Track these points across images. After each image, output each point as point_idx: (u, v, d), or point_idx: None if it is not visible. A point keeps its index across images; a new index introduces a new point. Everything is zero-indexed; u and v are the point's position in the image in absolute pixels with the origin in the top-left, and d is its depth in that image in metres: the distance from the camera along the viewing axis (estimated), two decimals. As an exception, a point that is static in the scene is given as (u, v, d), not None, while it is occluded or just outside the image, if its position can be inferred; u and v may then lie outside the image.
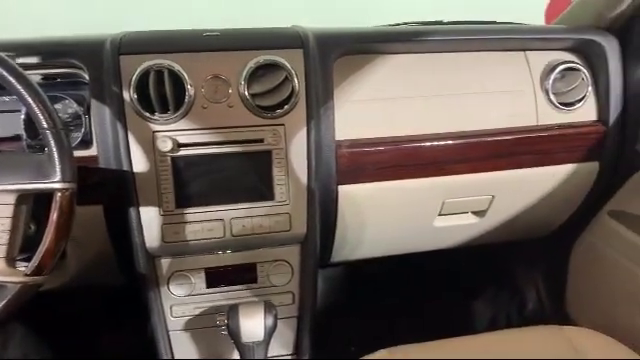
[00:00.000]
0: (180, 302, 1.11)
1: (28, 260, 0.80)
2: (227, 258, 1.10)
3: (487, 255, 1.59)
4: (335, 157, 1.06)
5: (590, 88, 1.18)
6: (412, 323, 1.56)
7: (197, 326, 1.13)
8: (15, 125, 0.98)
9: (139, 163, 0.97)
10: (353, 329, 1.56)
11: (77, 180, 0.80)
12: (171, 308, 1.11)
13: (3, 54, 0.78)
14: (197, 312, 1.12)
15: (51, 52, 1.00)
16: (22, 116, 0.97)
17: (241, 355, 1.04)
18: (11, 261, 0.79)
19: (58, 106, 1.00)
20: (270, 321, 1.03)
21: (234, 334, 1.03)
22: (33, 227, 0.93)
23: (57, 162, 0.77)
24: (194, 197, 1.01)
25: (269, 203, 1.04)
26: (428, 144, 1.10)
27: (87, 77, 0.98)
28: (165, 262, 1.07)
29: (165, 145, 0.95)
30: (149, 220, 1.00)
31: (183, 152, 0.98)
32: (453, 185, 1.15)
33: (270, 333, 1.03)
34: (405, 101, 1.12)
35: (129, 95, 0.95)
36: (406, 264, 1.55)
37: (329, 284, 1.71)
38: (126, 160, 0.97)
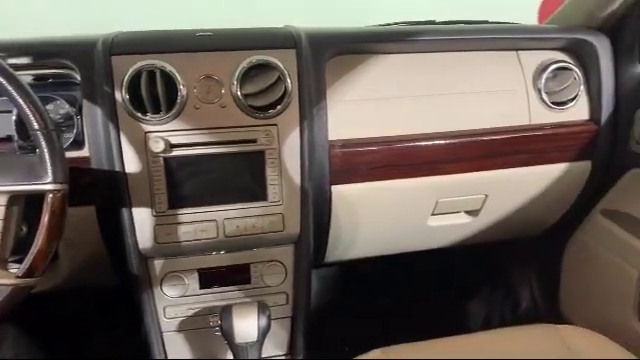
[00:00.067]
0: (173, 303, 1.11)
1: (20, 262, 0.79)
2: (220, 259, 1.10)
3: (481, 254, 1.59)
4: (328, 157, 1.06)
5: (582, 87, 1.19)
6: (406, 323, 1.56)
7: (191, 327, 1.13)
8: (6, 126, 0.97)
9: (131, 164, 0.97)
10: (347, 329, 1.56)
11: (69, 181, 0.79)
12: (164, 309, 1.11)
13: None
14: (190, 313, 1.12)
15: (42, 53, 1.00)
16: (13, 117, 0.97)
17: (235, 356, 1.03)
18: (2, 263, 0.79)
19: (50, 107, 0.99)
20: (264, 322, 1.03)
21: (228, 335, 1.02)
22: (25, 229, 0.92)
23: (48, 163, 0.77)
24: (187, 198, 1.01)
25: (262, 203, 1.04)
26: (421, 144, 1.10)
27: (79, 78, 0.97)
28: (158, 263, 1.07)
29: (157, 146, 0.95)
30: (142, 221, 1.00)
31: (175, 153, 0.97)
32: (446, 185, 1.15)
33: (264, 334, 1.03)
34: (398, 101, 1.12)
35: (121, 96, 0.94)
36: (400, 264, 1.55)
37: (323, 284, 1.71)
38: (118, 161, 0.96)
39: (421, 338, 0.97)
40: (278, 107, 0.99)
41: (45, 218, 0.77)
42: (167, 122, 0.97)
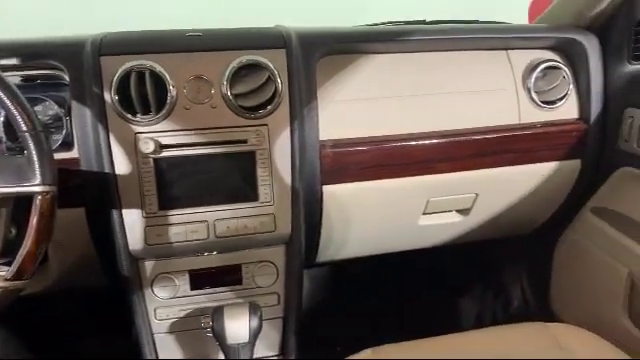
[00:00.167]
0: (164, 304, 1.10)
1: (9, 264, 0.79)
2: (211, 260, 1.09)
3: (472, 253, 1.60)
4: (319, 157, 1.06)
5: (571, 86, 1.19)
6: (398, 322, 1.57)
7: (182, 328, 1.13)
8: None
9: (121, 165, 0.96)
10: (339, 329, 1.56)
11: (58, 183, 0.79)
12: (155, 311, 1.10)
13: None
14: (182, 314, 1.12)
15: (30, 53, 0.99)
16: (1, 119, 0.96)
17: (226, 357, 1.03)
18: (-9, 265, 0.78)
19: (38, 108, 0.99)
20: (255, 322, 1.03)
21: (219, 336, 1.02)
22: (13, 231, 0.91)
23: (37, 165, 0.76)
24: (177, 199, 1.00)
25: (253, 204, 1.03)
26: (412, 143, 1.11)
27: (67, 78, 0.97)
28: (149, 264, 1.07)
29: (147, 147, 0.94)
30: (132, 222, 0.99)
31: (166, 153, 0.97)
32: (437, 184, 1.16)
33: (255, 334, 1.03)
34: (389, 101, 1.12)
35: (110, 96, 0.94)
36: (392, 263, 1.55)
37: (315, 284, 1.71)
38: (108, 162, 0.96)
39: (413, 337, 0.97)
40: (268, 107, 0.99)
41: (34, 220, 0.77)
42: (157, 123, 0.96)
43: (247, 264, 1.11)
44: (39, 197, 0.76)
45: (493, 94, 1.16)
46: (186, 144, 0.98)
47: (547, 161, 1.20)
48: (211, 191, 1.01)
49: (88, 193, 0.99)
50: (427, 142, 1.11)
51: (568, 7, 1.23)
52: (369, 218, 1.21)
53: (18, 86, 0.78)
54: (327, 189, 1.10)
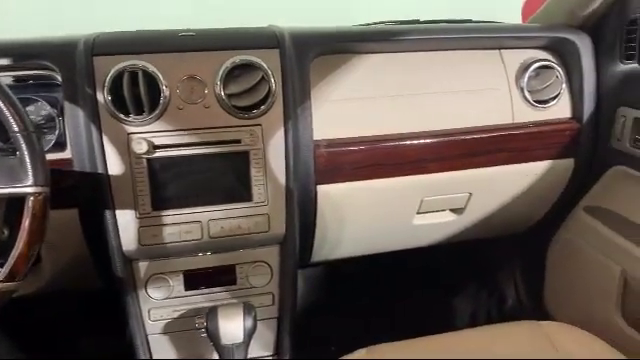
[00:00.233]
0: (158, 305, 1.10)
1: (1, 266, 0.78)
2: (205, 260, 1.09)
3: (466, 252, 1.60)
4: (313, 157, 1.06)
5: (564, 86, 1.20)
6: (392, 322, 1.57)
7: (176, 329, 1.12)
8: None
9: (114, 165, 0.96)
10: (334, 329, 1.56)
11: (50, 184, 0.78)
12: (149, 312, 1.10)
13: None
14: (176, 315, 1.11)
15: (22, 54, 0.99)
16: None
17: (221, 357, 1.03)
18: (-17, 267, 0.78)
19: (30, 108, 0.99)
20: (249, 322, 1.02)
21: (213, 336, 1.02)
22: (6, 232, 0.91)
23: (29, 166, 0.76)
24: (171, 199, 1.00)
25: (247, 204, 1.03)
26: (405, 143, 1.11)
27: (60, 79, 0.96)
28: (142, 265, 1.06)
29: (140, 147, 0.94)
30: (125, 223, 0.99)
31: (159, 154, 0.97)
32: (431, 183, 1.16)
33: (250, 334, 1.03)
34: (382, 100, 1.12)
35: (103, 96, 0.93)
36: (386, 263, 1.55)
37: (309, 284, 1.71)
38: (101, 162, 0.95)
39: (407, 337, 0.97)
40: (262, 107, 0.99)
41: (26, 221, 0.76)
42: (150, 123, 0.96)
43: (241, 264, 1.11)
44: (31, 198, 0.76)
45: (486, 93, 1.17)
46: (179, 144, 0.97)
47: (540, 160, 1.21)
48: (205, 191, 1.01)
49: (81, 194, 0.98)
50: (421, 142, 1.11)
51: (561, 6, 1.24)
52: (363, 218, 1.21)
53: (10, 86, 0.78)
54: (321, 189, 1.10)
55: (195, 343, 1.13)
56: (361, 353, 0.94)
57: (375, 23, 1.37)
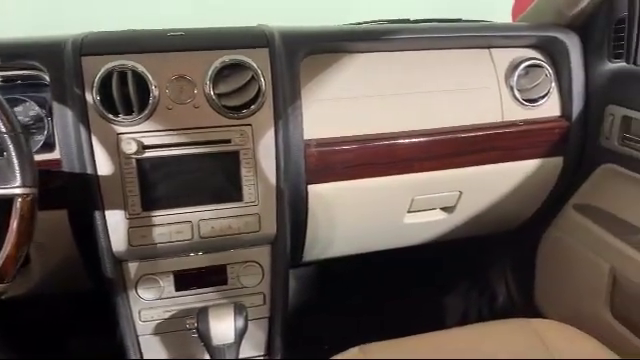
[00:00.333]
0: (149, 306, 1.09)
1: (-11, 268, 0.78)
2: (196, 260, 1.09)
3: (457, 250, 1.61)
4: (304, 156, 1.06)
5: (553, 84, 1.20)
6: (384, 320, 1.57)
7: (167, 330, 1.12)
8: None
9: (103, 166, 0.95)
10: (325, 328, 1.56)
11: (38, 185, 0.78)
12: (140, 312, 1.10)
13: None
14: (166, 316, 1.11)
15: (9, 54, 0.98)
16: None
17: (212, 357, 1.03)
18: (-29, 269, 0.77)
19: (19, 109, 0.98)
20: (240, 323, 1.02)
21: (204, 337, 1.02)
22: (-6, 234, 0.91)
23: (17, 167, 0.75)
24: (161, 199, 1.00)
25: (238, 204, 1.03)
26: (396, 142, 1.11)
27: (48, 79, 0.96)
28: (133, 266, 1.06)
29: (130, 147, 0.94)
30: (115, 224, 0.99)
31: (148, 154, 0.96)
32: (421, 182, 1.16)
33: (241, 335, 1.03)
34: (372, 99, 1.12)
35: (92, 97, 0.93)
36: (378, 262, 1.55)
37: (301, 284, 1.71)
38: (90, 163, 0.95)
39: (399, 335, 0.97)
40: (252, 107, 0.99)
41: (14, 223, 0.76)
42: (139, 123, 0.95)
43: (232, 264, 1.11)
44: (19, 199, 0.76)
45: (476, 92, 1.17)
46: (169, 144, 0.97)
47: (530, 159, 1.21)
48: (195, 191, 1.01)
49: (70, 194, 0.98)
50: (411, 140, 1.12)
51: (549, 5, 1.24)
52: (354, 217, 1.21)
53: None
54: (312, 188, 1.10)
55: (186, 344, 1.13)
56: (353, 352, 0.94)
57: (365, 22, 1.37)
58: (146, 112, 0.94)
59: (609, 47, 1.20)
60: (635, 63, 1.20)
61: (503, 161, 1.19)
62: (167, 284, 1.08)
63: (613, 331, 1.16)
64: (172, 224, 1.01)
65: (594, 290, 1.21)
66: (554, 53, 1.22)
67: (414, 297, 1.72)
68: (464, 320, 1.71)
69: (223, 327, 1.01)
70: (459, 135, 1.14)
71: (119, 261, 1.04)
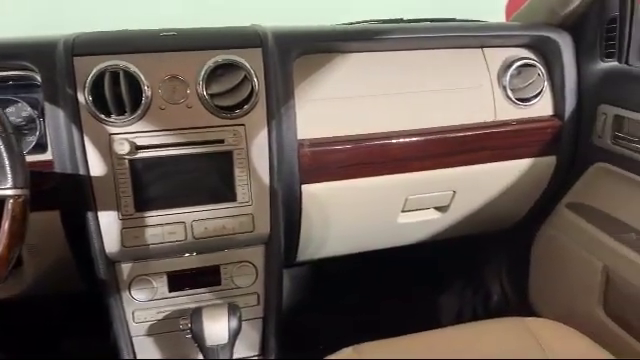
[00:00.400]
0: (142, 307, 1.09)
1: (-20, 270, 0.77)
2: (190, 261, 1.08)
3: (451, 250, 1.61)
4: (297, 156, 1.06)
5: (546, 83, 1.21)
6: (378, 320, 1.57)
7: (160, 331, 1.12)
8: None
9: (96, 167, 0.95)
10: (320, 328, 1.56)
11: (30, 186, 0.77)
12: (133, 313, 1.09)
13: None
14: (160, 317, 1.10)
15: (1, 54, 0.97)
16: None
17: (205, 358, 1.02)
18: (-38, 270, 0.77)
19: (11, 109, 0.97)
20: (234, 323, 1.02)
21: (198, 337, 1.01)
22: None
23: (8, 168, 0.75)
24: (154, 200, 0.99)
25: (231, 204, 1.03)
26: (389, 142, 1.11)
27: (40, 79, 0.95)
28: (126, 267, 1.05)
29: (122, 148, 0.93)
30: (108, 224, 0.98)
31: (141, 154, 0.96)
32: (415, 182, 1.16)
33: (235, 335, 1.02)
34: (366, 99, 1.12)
35: (84, 97, 0.92)
36: (372, 261, 1.55)
37: (295, 284, 1.71)
38: (82, 164, 0.95)
39: (393, 334, 0.97)
40: (245, 107, 0.99)
41: (5, 224, 0.75)
42: (132, 123, 0.95)
43: (226, 265, 1.10)
44: (11, 200, 0.75)
45: (469, 92, 1.17)
46: (162, 145, 0.97)
47: (523, 158, 1.22)
48: (188, 192, 1.01)
49: (62, 195, 0.97)
50: (404, 140, 1.12)
51: (542, 5, 1.25)
52: (348, 217, 1.21)
53: None
54: (306, 188, 1.10)
55: (180, 344, 1.13)
56: (347, 352, 0.94)
57: (359, 22, 1.37)
58: (139, 112, 0.94)
59: (601, 47, 1.21)
60: (627, 62, 1.21)
61: (496, 160, 1.19)
62: (160, 285, 1.08)
63: (606, 329, 1.16)
64: (165, 225, 1.00)
65: (587, 288, 1.21)
66: (547, 53, 1.22)
67: (408, 296, 1.72)
68: (459, 319, 1.71)
69: (217, 328, 1.01)
70: (452, 135, 1.14)
71: (112, 262, 1.04)
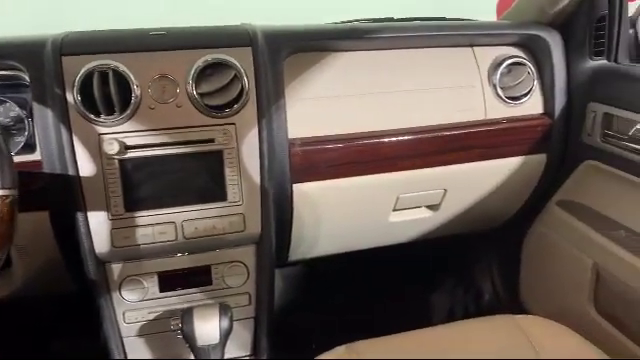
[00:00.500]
0: (133, 307, 1.09)
1: (-32, 271, 0.77)
2: (180, 261, 1.08)
3: (442, 248, 1.62)
4: (288, 155, 1.06)
5: (536, 82, 1.21)
6: (371, 319, 1.57)
7: (151, 331, 1.11)
8: None
9: (85, 167, 0.94)
10: (312, 327, 1.56)
11: (18, 186, 0.77)
12: (124, 314, 1.09)
13: None
14: (151, 317, 1.10)
15: None
16: None
17: (197, 358, 1.02)
18: (-50, 272, 0.76)
19: None
20: (225, 323, 1.02)
21: (189, 338, 1.01)
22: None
23: None
24: (144, 200, 0.99)
25: (222, 204, 1.02)
26: (380, 140, 1.11)
27: (28, 79, 0.95)
28: (116, 267, 1.05)
29: (111, 148, 0.93)
30: (97, 225, 0.98)
31: (131, 154, 0.95)
32: (406, 180, 1.16)
33: (226, 335, 1.02)
34: (357, 98, 1.12)
35: (73, 97, 0.92)
36: (364, 260, 1.55)
37: (287, 283, 1.71)
38: (71, 164, 0.94)
39: (385, 333, 0.97)
40: (235, 106, 0.98)
41: None
42: (121, 123, 0.94)
43: (217, 265, 1.10)
44: None
45: (459, 90, 1.17)
46: (152, 144, 0.96)
47: (513, 156, 1.22)
48: (178, 191, 1.00)
49: (51, 196, 0.97)
50: (395, 139, 1.12)
51: (531, 4, 1.25)
52: (340, 216, 1.21)
53: None
54: (297, 187, 1.10)
55: (171, 345, 1.12)
56: (340, 351, 0.94)
57: (349, 21, 1.37)
58: (128, 112, 0.93)
59: (590, 45, 1.21)
60: (616, 61, 1.22)
61: (487, 159, 1.20)
62: (151, 285, 1.07)
63: (597, 326, 1.17)
64: (155, 225, 1.00)
65: (578, 286, 1.22)
66: (536, 51, 1.23)
67: (400, 295, 1.72)
68: (450, 317, 1.71)
69: (208, 328, 1.00)
70: (443, 133, 1.14)
71: (102, 262, 1.03)
